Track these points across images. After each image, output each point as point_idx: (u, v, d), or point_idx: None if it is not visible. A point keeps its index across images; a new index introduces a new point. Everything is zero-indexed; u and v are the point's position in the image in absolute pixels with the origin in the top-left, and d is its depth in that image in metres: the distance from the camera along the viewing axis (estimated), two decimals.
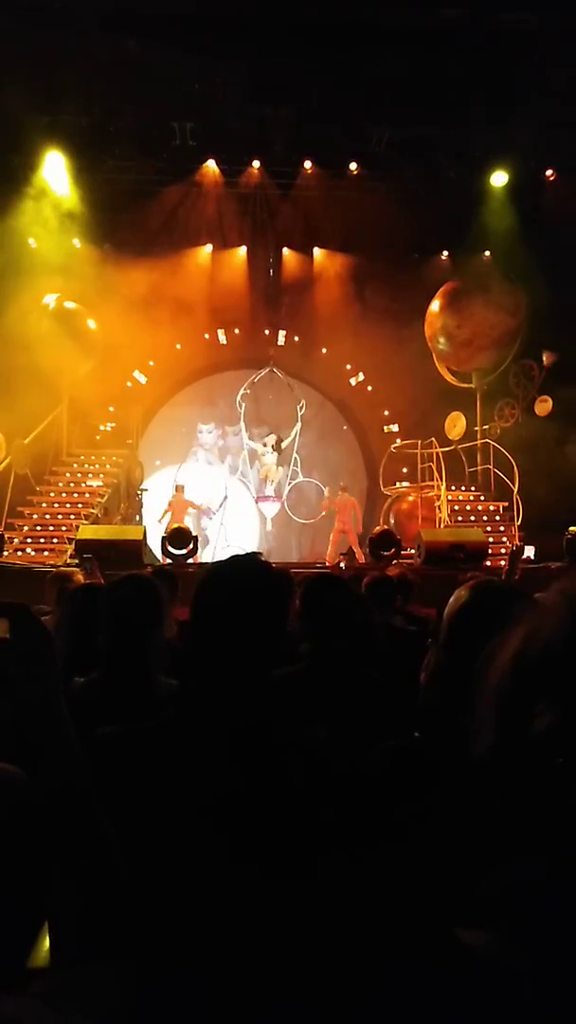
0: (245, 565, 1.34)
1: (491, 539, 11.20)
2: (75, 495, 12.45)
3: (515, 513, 11.95)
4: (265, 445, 14.91)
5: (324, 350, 15.90)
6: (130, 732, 1.22)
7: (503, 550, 11.06)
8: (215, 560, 1.37)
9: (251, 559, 1.36)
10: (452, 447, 13.47)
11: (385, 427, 15.64)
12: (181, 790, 1.07)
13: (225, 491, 14.73)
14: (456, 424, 13.82)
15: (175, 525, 11.04)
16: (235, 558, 1.38)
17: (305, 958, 0.91)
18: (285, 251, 15.08)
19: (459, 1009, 0.74)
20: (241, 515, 15.04)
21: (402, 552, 10.67)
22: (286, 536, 15.50)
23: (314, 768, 1.13)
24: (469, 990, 0.74)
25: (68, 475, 12.95)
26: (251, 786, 1.07)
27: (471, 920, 0.78)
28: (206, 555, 12.19)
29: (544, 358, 13.14)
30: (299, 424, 15.27)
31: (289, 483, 15.12)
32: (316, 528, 15.16)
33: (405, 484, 14.04)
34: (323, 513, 13.94)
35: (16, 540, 11.00)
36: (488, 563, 9.90)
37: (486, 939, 0.75)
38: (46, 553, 10.73)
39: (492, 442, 12.91)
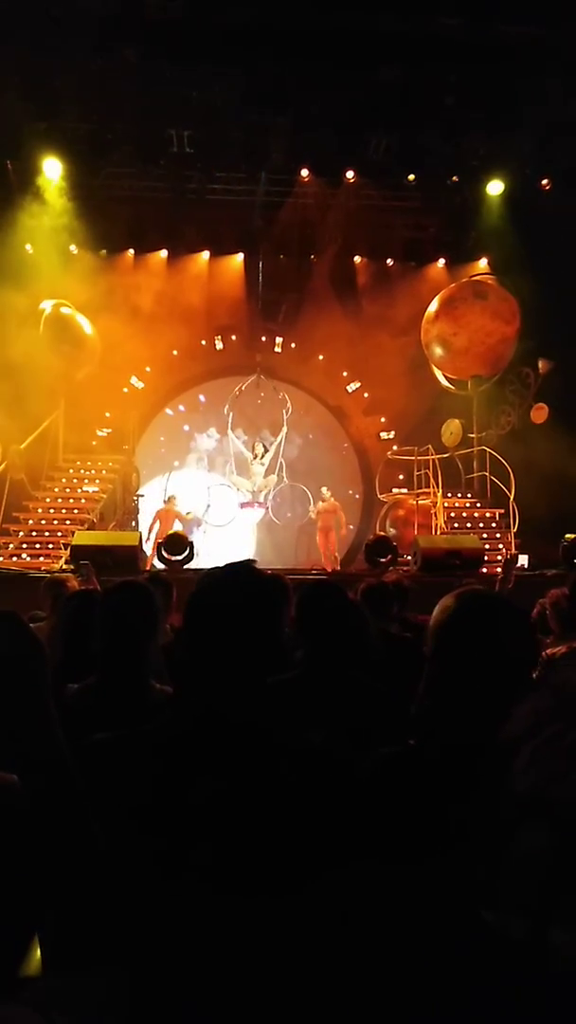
0: (236, 572, 1.33)
1: (487, 546, 11.21)
2: (71, 500, 12.43)
3: (511, 520, 11.96)
4: (256, 457, 14.88)
5: (321, 357, 15.93)
6: (124, 738, 1.21)
7: (499, 557, 11.07)
8: (207, 567, 1.36)
9: (244, 566, 1.35)
10: (448, 454, 13.49)
11: (381, 434, 15.66)
12: (175, 796, 1.07)
13: (208, 498, 14.69)
14: (452, 431, 13.84)
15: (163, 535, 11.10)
16: (229, 565, 1.37)
17: (303, 965, 0.90)
18: (282, 258, 15.12)
19: (487, 988, 0.75)
20: (230, 522, 15.00)
21: (398, 559, 10.68)
22: (281, 542, 15.49)
23: (309, 774, 1.12)
24: (494, 968, 0.75)
25: (64, 480, 12.93)
26: (245, 792, 1.06)
27: (492, 901, 0.79)
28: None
29: (540, 366, 13.18)
30: (284, 429, 15.20)
31: (275, 488, 15.07)
32: (311, 533, 15.16)
33: (402, 491, 14.05)
34: (312, 516, 14.05)
35: (11, 546, 10.98)
36: (484, 570, 9.91)
37: (507, 919, 0.76)
38: (41, 559, 10.70)
39: (488, 449, 12.93)
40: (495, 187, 13.21)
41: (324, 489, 14.04)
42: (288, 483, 15.23)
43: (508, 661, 1.32)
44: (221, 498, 15.08)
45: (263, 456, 14.94)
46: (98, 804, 0.99)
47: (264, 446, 15.11)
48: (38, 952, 1.05)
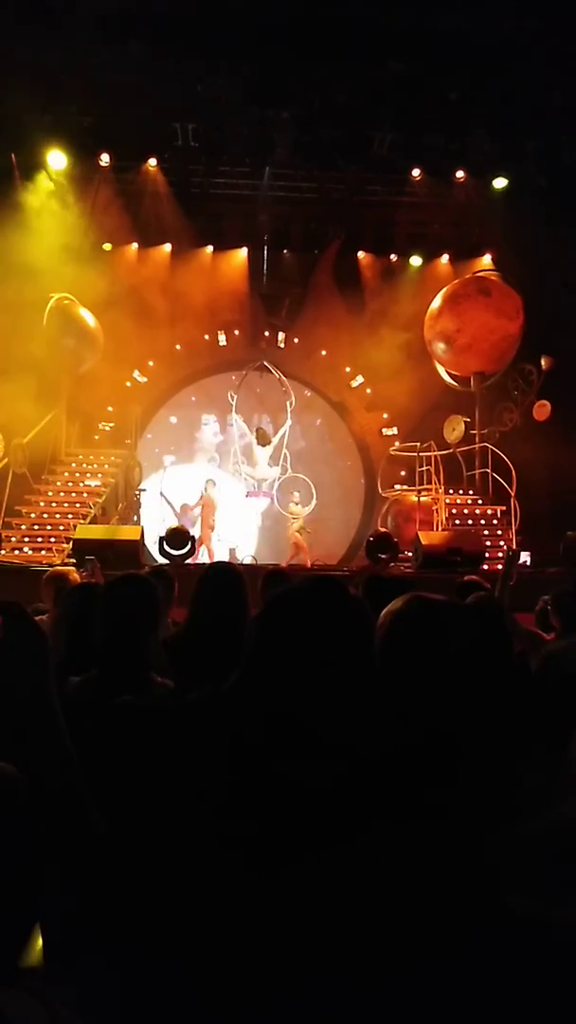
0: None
1: (489, 543, 11.22)
2: (73, 494, 12.44)
3: (513, 517, 11.96)
4: (261, 444, 14.85)
5: (323, 352, 15.92)
6: (151, 705, 1.22)
7: (500, 554, 11.06)
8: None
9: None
10: (450, 451, 13.48)
11: (384, 430, 15.65)
12: (194, 771, 1.08)
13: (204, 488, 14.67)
14: (455, 428, 13.83)
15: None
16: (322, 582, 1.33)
17: (310, 948, 0.91)
18: (285, 253, 15.10)
19: (506, 970, 0.76)
20: (236, 511, 15.01)
21: (399, 555, 10.69)
22: (281, 538, 15.47)
23: (316, 761, 1.13)
24: (516, 952, 0.76)
25: (66, 474, 12.94)
26: (258, 781, 1.07)
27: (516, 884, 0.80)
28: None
29: (543, 363, 13.16)
30: (288, 421, 15.15)
31: (280, 479, 15.04)
32: (314, 527, 15.13)
33: (403, 487, 14.06)
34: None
35: (14, 539, 10.99)
36: (485, 567, 9.91)
37: (531, 902, 0.77)
38: (44, 552, 10.72)
39: (490, 446, 12.92)
40: (499, 183, 13.19)
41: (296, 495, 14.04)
42: (292, 474, 15.15)
43: (455, 663, 1.34)
44: (230, 487, 15.08)
45: (266, 443, 14.90)
46: (114, 769, 1.00)
47: (266, 431, 15.09)
48: (39, 941, 1.06)
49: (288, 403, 15.10)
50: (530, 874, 0.89)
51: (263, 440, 14.69)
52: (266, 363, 15.26)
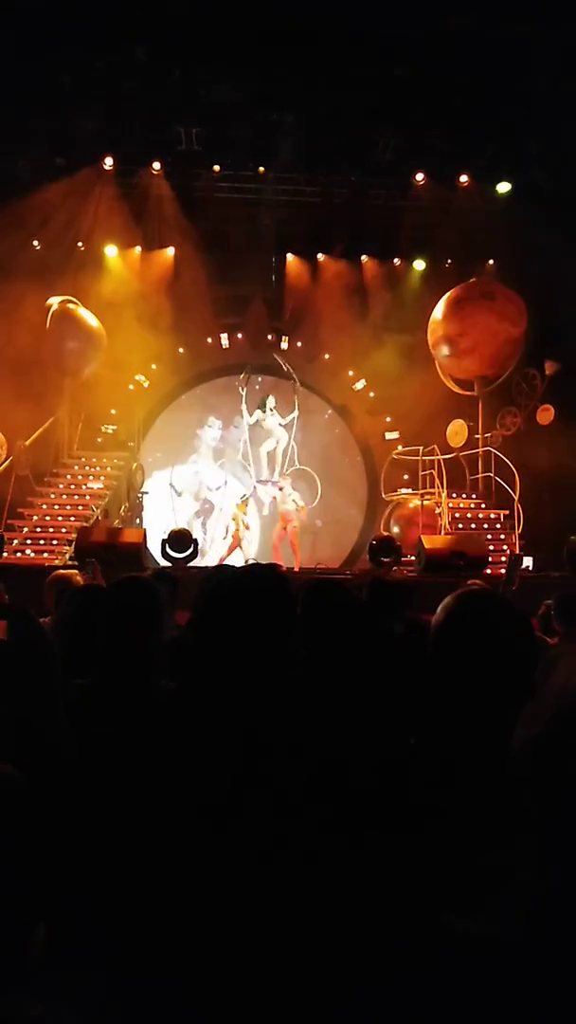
0: (251, 573, 1.34)
1: (491, 547, 11.20)
2: (76, 497, 12.46)
3: (516, 521, 11.94)
4: (265, 416, 15.04)
5: (327, 356, 15.93)
6: (127, 732, 1.22)
7: (503, 558, 11.05)
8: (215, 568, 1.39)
9: (260, 568, 1.36)
10: (453, 454, 13.46)
11: (386, 434, 15.65)
12: (177, 789, 1.07)
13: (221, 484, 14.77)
14: (458, 432, 13.82)
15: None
16: (247, 568, 1.38)
17: (298, 955, 0.91)
18: (289, 257, 15.12)
19: (449, 986, 0.77)
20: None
21: (402, 559, 10.68)
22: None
23: (310, 769, 1.13)
24: (458, 968, 0.76)
25: (69, 477, 12.96)
26: (247, 786, 1.07)
27: (459, 905, 0.80)
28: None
29: (546, 367, 13.15)
30: (295, 411, 15.36)
31: (288, 470, 15.16)
32: (312, 531, 15.13)
33: (406, 491, 14.05)
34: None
35: (16, 541, 11.00)
36: (488, 571, 9.89)
37: (472, 921, 0.78)
38: (46, 554, 10.73)
39: (494, 450, 12.91)
40: (503, 187, 13.20)
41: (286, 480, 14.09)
42: (299, 467, 15.29)
43: (507, 661, 1.33)
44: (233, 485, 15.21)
45: (269, 413, 15.09)
46: (101, 795, 1.00)
47: (273, 403, 15.34)
48: (42, 944, 1.06)
49: (295, 387, 15.31)
50: (467, 894, 0.89)
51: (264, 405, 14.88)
52: (276, 356, 15.48)
